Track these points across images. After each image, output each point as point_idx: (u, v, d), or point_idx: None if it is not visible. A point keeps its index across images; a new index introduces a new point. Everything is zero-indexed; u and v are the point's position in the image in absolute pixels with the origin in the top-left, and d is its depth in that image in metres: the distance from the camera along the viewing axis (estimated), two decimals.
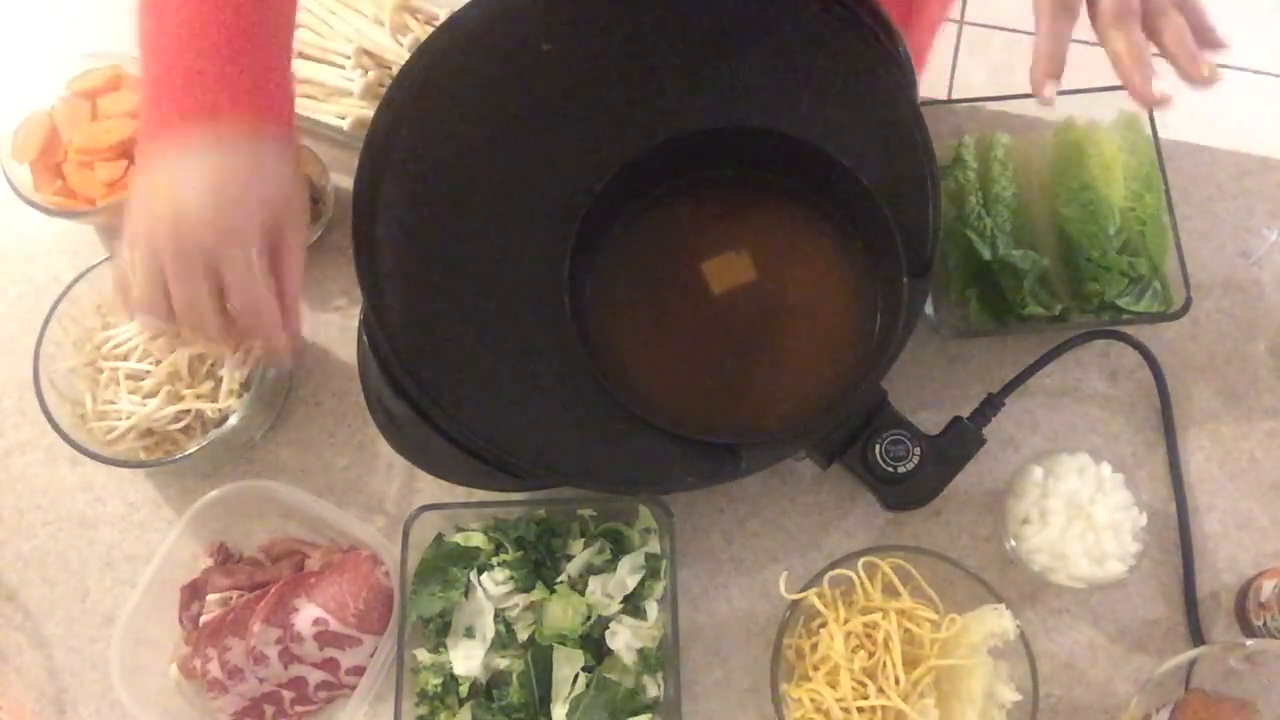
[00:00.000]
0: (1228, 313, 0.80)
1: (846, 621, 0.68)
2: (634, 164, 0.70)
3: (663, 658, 0.71)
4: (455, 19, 0.73)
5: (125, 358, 0.79)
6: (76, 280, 0.79)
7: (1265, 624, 0.70)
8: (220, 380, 0.77)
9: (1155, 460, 0.77)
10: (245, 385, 0.77)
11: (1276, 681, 0.65)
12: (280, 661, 0.71)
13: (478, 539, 0.73)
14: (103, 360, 0.79)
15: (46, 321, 0.78)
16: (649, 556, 0.72)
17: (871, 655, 0.68)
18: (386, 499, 0.79)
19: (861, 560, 0.70)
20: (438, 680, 0.71)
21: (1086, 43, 0.65)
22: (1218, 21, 0.62)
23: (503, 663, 0.71)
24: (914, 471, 0.68)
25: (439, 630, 0.72)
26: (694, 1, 0.73)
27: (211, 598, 0.75)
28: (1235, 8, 1.87)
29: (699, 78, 0.73)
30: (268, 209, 0.64)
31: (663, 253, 0.75)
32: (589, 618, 0.71)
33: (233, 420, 0.75)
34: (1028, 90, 0.81)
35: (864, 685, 0.67)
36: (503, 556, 0.73)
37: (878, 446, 0.68)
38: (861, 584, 0.69)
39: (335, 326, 0.83)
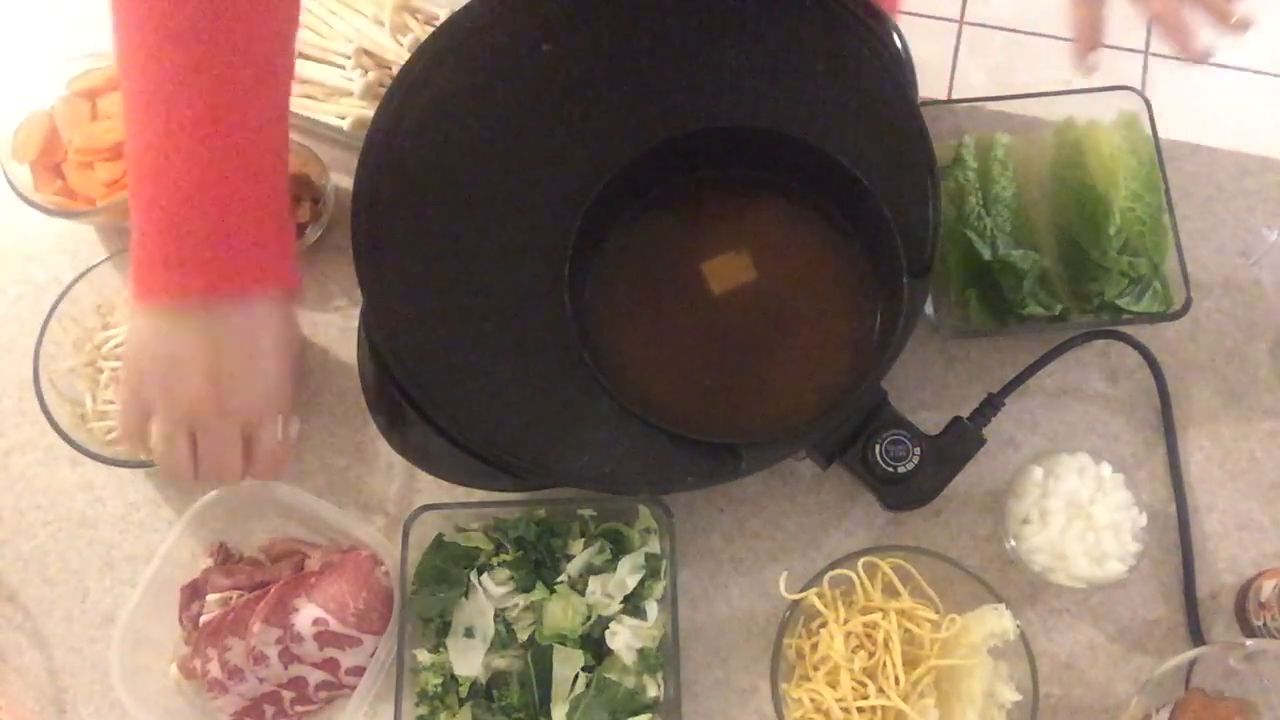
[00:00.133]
0: (1228, 313, 0.80)
1: (846, 621, 0.68)
2: (634, 164, 0.70)
3: (663, 658, 0.71)
4: (455, 19, 0.73)
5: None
6: (76, 280, 0.79)
7: (1265, 624, 0.70)
8: None
9: (1155, 460, 0.77)
10: None
11: (1276, 681, 0.65)
12: (280, 661, 0.71)
13: (478, 539, 0.73)
14: (103, 360, 0.79)
15: (46, 321, 0.78)
16: (649, 556, 0.72)
17: (871, 655, 0.68)
18: (386, 499, 0.79)
19: (861, 560, 0.70)
20: (438, 680, 0.71)
21: None
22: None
23: (503, 663, 0.71)
24: (914, 471, 0.68)
25: (439, 630, 0.72)
26: (693, 1, 0.73)
27: (211, 598, 0.75)
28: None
29: (698, 78, 0.73)
30: (256, 395, 0.63)
31: (663, 253, 0.75)
32: (589, 618, 0.71)
33: None
34: (1028, 90, 0.82)
35: (864, 685, 0.67)
36: (503, 556, 0.73)
37: (878, 446, 0.68)
38: (861, 584, 0.69)
39: (335, 326, 0.83)
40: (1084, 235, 0.76)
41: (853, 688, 0.67)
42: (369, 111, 0.83)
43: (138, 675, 0.72)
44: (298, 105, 0.83)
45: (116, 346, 0.79)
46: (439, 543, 0.74)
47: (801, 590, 0.70)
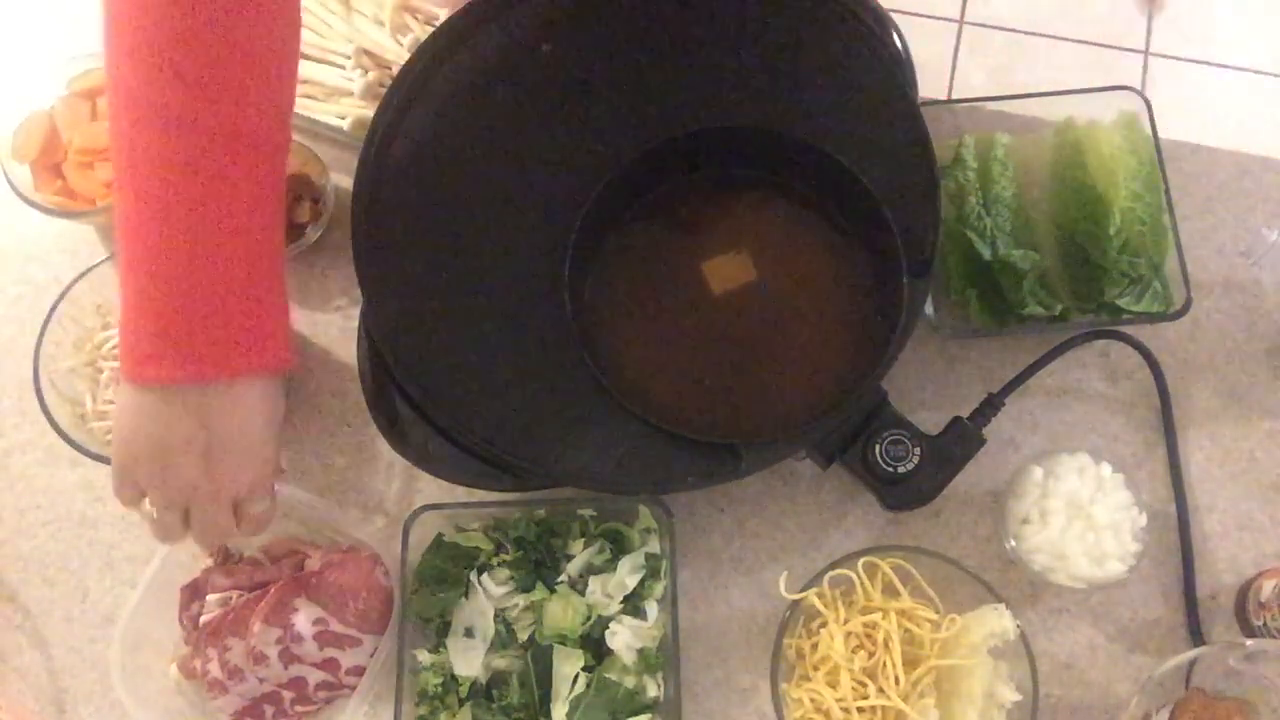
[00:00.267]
0: (1228, 313, 0.80)
1: (846, 621, 0.68)
2: (634, 164, 0.70)
3: (663, 658, 0.71)
4: (455, 19, 0.73)
5: None
6: (76, 280, 0.79)
7: (1265, 624, 0.70)
8: None
9: (1155, 460, 0.77)
10: None
11: (1276, 681, 0.65)
12: (280, 661, 0.71)
13: (478, 539, 0.73)
14: (103, 360, 0.79)
15: (46, 321, 0.78)
16: (649, 556, 0.72)
17: (871, 655, 0.68)
18: (386, 499, 0.79)
19: (861, 560, 0.70)
20: (438, 680, 0.71)
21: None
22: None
23: (503, 663, 0.71)
24: (914, 471, 0.68)
25: (439, 630, 0.72)
26: (693, 2, 0.73)
27: (211, 598, 0.74)
28: (1235, 8, 1.87)
29: (698, 78, 0.73)
30: (248, 474, 0.63)
31: (663, 253, 0.75)
32: (589, 618, 0.71)
33: None
34: (1028, 90, 0.82)
35: (864, 685, 0.67)
36: (503, 556, 0.73)
37: (878, 446, 0.68)
38: (861, 584, 0.69)
39: (335, 326, 0.83)
40: (1084, 235, 0.76)
41: (853, 688, 0.67)
42: (369, 111, 0.83)
43: (138, 675, 0.72)
44: (298, 105, 0.83)
45: (116, 347, 0.79)
46: (439, 543, 0.74)
47: (801, 590, 0.70)
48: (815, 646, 0.69)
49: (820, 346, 0.73)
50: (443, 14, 0.86)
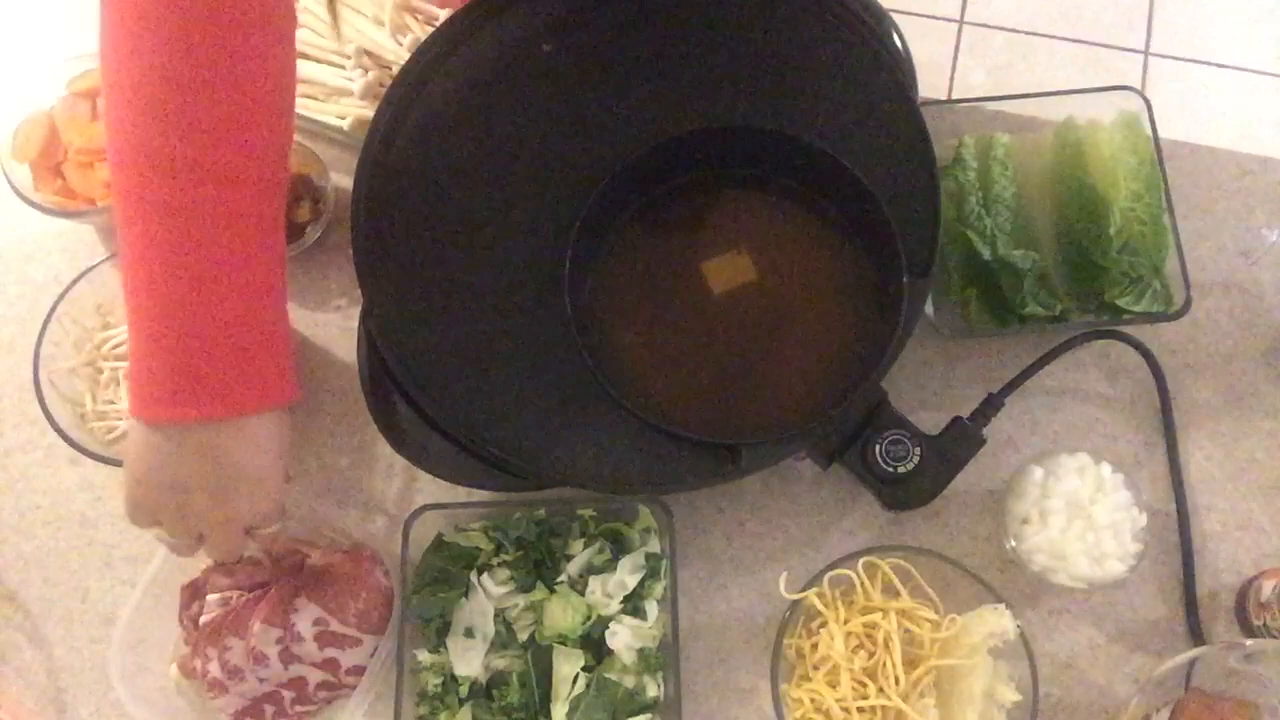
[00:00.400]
0: (1228, 313, 0.80)
1: (846, 621, 0.68)
2: (634, 164, 0.70)
3: (663, 658, 0.71)
4: (455, 19, 0.73)
5: (125, 358, 0.79)
6: (76, 280, 0.79)
7: (1265, 624, 0.70)
8: None
9: (1155, 460, 0.77)
10: None
11: (1276, 681, 0.65)
12: (280, 661, 0.71)
13: (478, 539, 0.73)
14: (103, 360, 0.79)
15: (46, 321, 0.78)
16: (649, 556, 0.72)
17: (871, 655, 0.68)
18: (386, 499, 0.79)
19: (861, 560, 0.70)
20: (438, 680, 0.71)
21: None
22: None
23: (503, 663, 0.71)
24: (914, 471, 0.68)
25: (439, 630, 0.72)
26: (693, 2, 0.73)
27: (211, 598, 0.74)
28: (1235, 8, 1.87)
29: (698, 78, 0.73)
30: (258, 506, 0.64)
31: (662, 253, 0.75)
32: (589, 618, 0.71)
33: None
34: (1028, 90, 0.82)
35: (864, 685, 0.67)
36: (503, 556, 0.73)
37: (878, 446, 0.68)
38: (861, 584, 0.69)
39: (335, 326, 0.83)
40: (1084, 235, 0.76)
41: (853, 688, 0.67)
42: (369, 111, 0.83)
43: (138, 675, 0.72)
44: (298, 105, 0.83)
45: (116, 347, 0.79)
46: (439, 543, 0.74)
47: (801, 590, 0.70)
48: (815, 646, 0.69)
49: (820, 347, 0.73)
50: (443, 14, 0.86)
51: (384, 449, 0.76)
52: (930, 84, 1.85)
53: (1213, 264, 0.81)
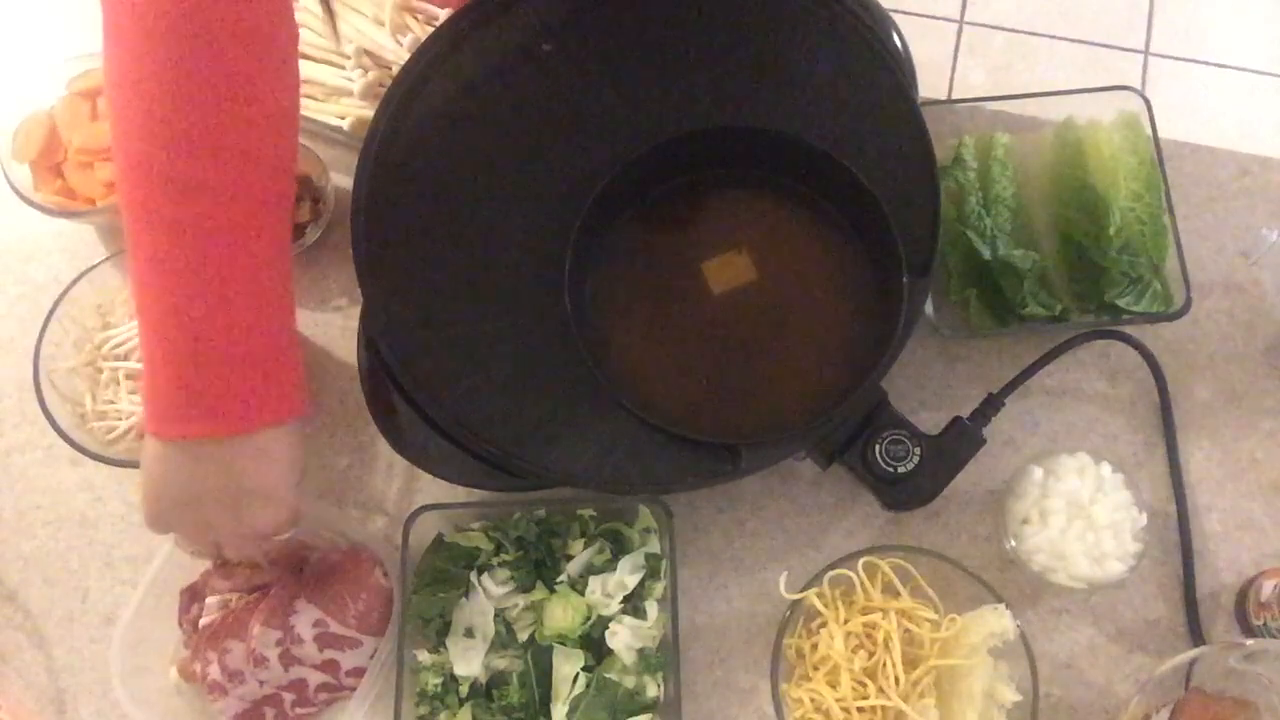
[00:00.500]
0: (1228, 313, 0.80)
1: (846, 621, 0.68)
2: (634, 164, 0.70)
3: (663, 658, 0.71)
4: (455, 19, 0.73)
5: (125, 358, 0.79)
6: (76, 280, 0.79)
7: (1265, 624, 0.70)
8: None
9: (1155, 460, 0.77)
10: None
11: (1276, 681, 0.65)
12: (280, 664, 0.71)
13: (478, 539, 0.73)
14: (103, 360, 0.79)
15: (46, 321, 0.78)
16: (649, 556, 0.72)
17: (871, 655, 0.68)
18: (386, 499, 0.79)
19: (861, 560, 0.70)
20: (438, 680, 0.71)
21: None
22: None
23: (503, 663, 0.71)
24: (914, 471, 0.68)
25: (439, 630, 0.72)
26: (693, 2, 0.73)
27: (211, 600, 0.74)
28: (1235, 8, 1.87)
29: (698, 78, 0.73)
30: (274, 517, 0.65)
31: (663, 253, 0.75)
32: (589, 618, 0.71)
33: None
34: (1028, 90, 0.82)
35: (864, 685, 0.67)
36: (503, 556, 0.73)
37: (878, 446, 0.68)
38: (861, 584, 0.69)
39: (335, 326, 0.83)
40: (1084, 235, 0.76)
41: (853, 688, 0.67)
42: (369, 111, 0.83)
43: (138, 677, 0.72)
44: None
45: (116, 347, 0.79)
46: (439, 543, 0.74)
47: (801, 590, 0.70)
48: (815, 646, 0.69)
49: (820, 346, 0.73)
50: (443, 14, 0.86)
51: (384, 449, 0.76)
52: (930, 84, 1.85)
53: (1213, 264, 0.81)
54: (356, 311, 0.73)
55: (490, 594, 0.71)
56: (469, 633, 0.71)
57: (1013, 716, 0.68)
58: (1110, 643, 0.73)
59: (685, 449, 0.67)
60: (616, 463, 0.67)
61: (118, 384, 0.78)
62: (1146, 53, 1.85)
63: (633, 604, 0.72)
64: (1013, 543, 0.72)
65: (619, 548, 0.73)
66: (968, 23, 1.91)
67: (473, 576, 0.72)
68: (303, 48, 0.87)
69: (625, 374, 0.71)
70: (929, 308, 0.75)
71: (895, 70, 0.72)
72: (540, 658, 0.70)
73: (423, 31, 0.87)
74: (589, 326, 0.70)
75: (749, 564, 0.76)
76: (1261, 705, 0.65)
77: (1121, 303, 0.75)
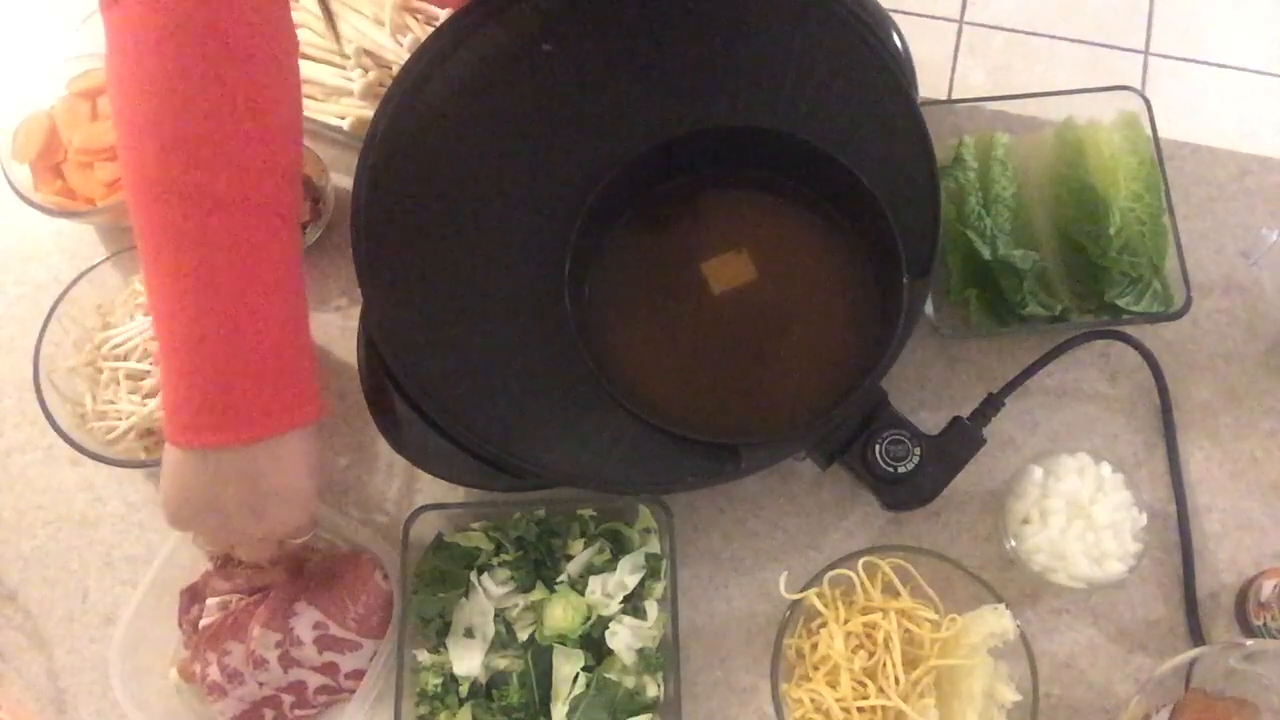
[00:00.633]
0: (1228, 313, 0.80)
1: (846, 621, 0.68)
2: (634, 164, 0.70)
3: (663, 658, 0.71)
4: (455, 19, 0.73)
5: (125, 358, 0.79)
6: (76, 280, 0.79)
7: (1265, 624, 0.70)
8: None
9: (1155, 460, 0.77)
10: None
11: (1276, 681, 0.65)
12: (280, 665, 0.71)
13: (478, 539, 0.73)
14: (103, 360, 0.79)
15: (46, 321, 0.78)
16: (649, 556, 0.72)
17: (871, 655, 0.68)
18: (386, 499, 0.79)
19: (861, 560, 0.70)
20: (438, 680, 0.71)
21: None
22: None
23: (503, 663, 0.71)
24: (914, 471, 0.68)
25: (439, 630, 0.72)
26: (693, 2, 0.73)
27: (211, 602, 0.74)
28: (1235, 8, 1.87)
29: (698, 78, 0.73)
30: (293, 520, 0.65)
31: (663, 253, 0.75)
32: (589, 618, 0.71)
33: None
34: (1028, 90, 0.82)
35: (864, 685, 0.67)
36: (503, 556, 0.73)
37: (878, 446, 0.68)
38: (861, 584, 0.69)
39: (335, 326, 0.83)
40: (1084, 235, 0.76)
41: (853, 688, 0.67)
42: (369, 111, 0.83)
43: (137, 678, 0.72)
44: None
45: (116, 347, 0.79)
46: (439, 543, 0.74)
47: (801, 590, 0.70)
48: (815, 646, 0.69)
49: (820, 346, 0.73)
50: (443, 14, 0.86)
51: (384, 449, 0.76)
52: (930, 84, 1.85)
53: (1213, 264, 0.81)
54: (356, 311, 0.73)
55: (490, 594, 0.71)
56: (469, 633, 0.71)
57: (1013, 716, 0.68)
58: (1110, 643, 0.73)
59: (685, 449, 0.67)
60: (616, 463, 0.67)
61: (118, 384, 0.78)
62: (1146, 53, 1.85)
63: (633, 604, 0.72)
64: (1013, 543, 0.72)
65: (619, 548, 0.73)
66: (968, 23, 1.91)
67: (473, 576, 0.72)
68: (303, 48, 0.87)
69: (625, 374, 0.71)
70: (929, 308, 0.75)
71: (895, 70, 0.72)
72: (540, 658, 0.70)
73: (423, 31, 0.87)
74: (589, 326, 0.70)
75: (749, 564, 0.76)
76: (1261, 705, 0.65)
77: (1121, 303, 0.75)
